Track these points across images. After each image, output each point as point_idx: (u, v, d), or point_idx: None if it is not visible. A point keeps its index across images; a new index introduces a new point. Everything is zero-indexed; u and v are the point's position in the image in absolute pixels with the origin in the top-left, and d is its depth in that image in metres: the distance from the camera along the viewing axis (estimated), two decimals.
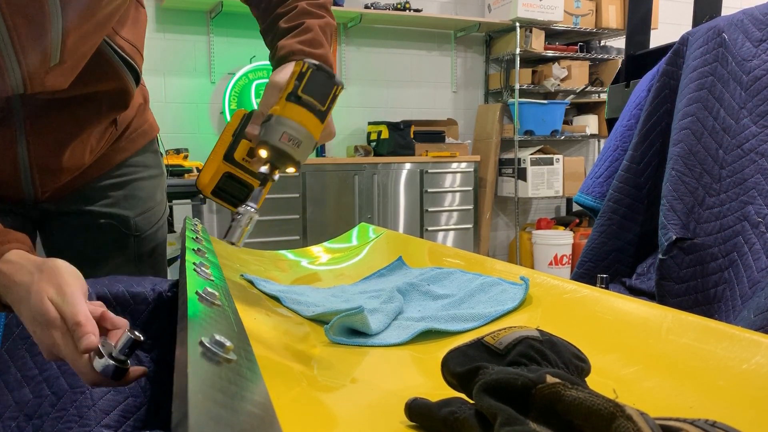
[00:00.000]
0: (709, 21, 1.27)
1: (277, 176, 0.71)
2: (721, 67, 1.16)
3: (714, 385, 0.52)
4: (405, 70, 4.67)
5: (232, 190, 0.86)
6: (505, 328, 0.47)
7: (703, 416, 0.36)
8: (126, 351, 0.60)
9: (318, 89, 0.70)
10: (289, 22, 0.87)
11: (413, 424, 0.47)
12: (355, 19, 4.30)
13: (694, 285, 1.08)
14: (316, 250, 1.50)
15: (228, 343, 0.41)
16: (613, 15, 4.75)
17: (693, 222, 1.10)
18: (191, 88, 4.08)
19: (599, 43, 4.98)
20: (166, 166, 3.34)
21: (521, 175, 4.59)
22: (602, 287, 1.07)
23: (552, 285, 0.82)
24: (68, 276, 0.63)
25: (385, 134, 4.22)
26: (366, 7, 4.27)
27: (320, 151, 4.22)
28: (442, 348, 0.55)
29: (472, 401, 0.42)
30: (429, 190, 4.27)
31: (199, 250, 0.90)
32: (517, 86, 4.59)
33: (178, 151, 3.71)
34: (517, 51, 4.53)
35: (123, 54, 0.91)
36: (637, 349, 0.62)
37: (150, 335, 0.81)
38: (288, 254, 1.45)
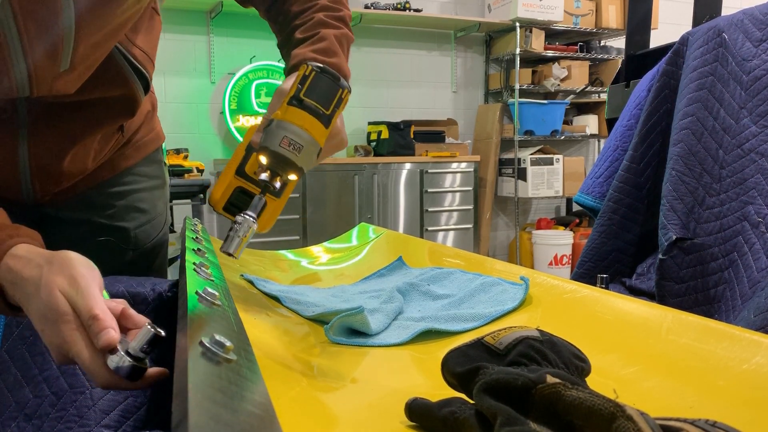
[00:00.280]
0: (709, 21, 1.27)
1: (278, 184, 0.69)
2: (721, 67, 1.16)
3: (714, 385, 0.52)
4: (405, 70, 4.67)
5: (244, 206, 0.77)
6: (505, 328, 0.47)
7: (703, 416, 0.36)
8: (145, 348, 0.53)
9: (322, 92, 0.68)
10: (305, 32, 0.85)
11: (413, 424, 0.47)
12: (355, 19, 4.29)
13: (694, 285, 1.08)
14: (316, 250, 1.50)
15: (228, 343, 0.41)
16: (613, 15, 4.76)
17: (693, 222, 1.10)
18: (191, 88, 4.08)
19: (599, 43, 4.98)
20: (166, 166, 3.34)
21: (521, 175, 4.60)
22: (602, 287, 1.07)
23: (552, 285, 0.82)
24: (82, 267, 0.57)
25: (385, 134, 4.22)
26: (366, 7, 4.27)
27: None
28: (442, 348, 0.55)
29: (472, 401, 0.42)
30: (429, 190, 4.27)
31: (199, 250, 0.90)
32: (517, 86, 4.59)
33: (178, 151, 3.72)
34: (517, 51, 4.53)
35: (134, 61, 0.89)
36: (637, 349, 0.62)
37: None
38: (288, 254, 1.45)
